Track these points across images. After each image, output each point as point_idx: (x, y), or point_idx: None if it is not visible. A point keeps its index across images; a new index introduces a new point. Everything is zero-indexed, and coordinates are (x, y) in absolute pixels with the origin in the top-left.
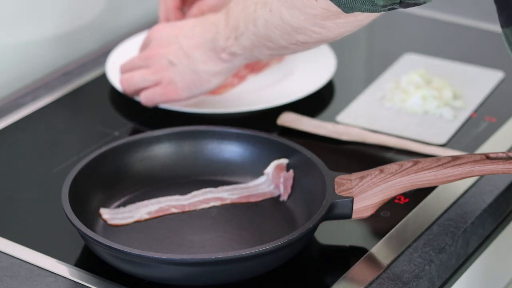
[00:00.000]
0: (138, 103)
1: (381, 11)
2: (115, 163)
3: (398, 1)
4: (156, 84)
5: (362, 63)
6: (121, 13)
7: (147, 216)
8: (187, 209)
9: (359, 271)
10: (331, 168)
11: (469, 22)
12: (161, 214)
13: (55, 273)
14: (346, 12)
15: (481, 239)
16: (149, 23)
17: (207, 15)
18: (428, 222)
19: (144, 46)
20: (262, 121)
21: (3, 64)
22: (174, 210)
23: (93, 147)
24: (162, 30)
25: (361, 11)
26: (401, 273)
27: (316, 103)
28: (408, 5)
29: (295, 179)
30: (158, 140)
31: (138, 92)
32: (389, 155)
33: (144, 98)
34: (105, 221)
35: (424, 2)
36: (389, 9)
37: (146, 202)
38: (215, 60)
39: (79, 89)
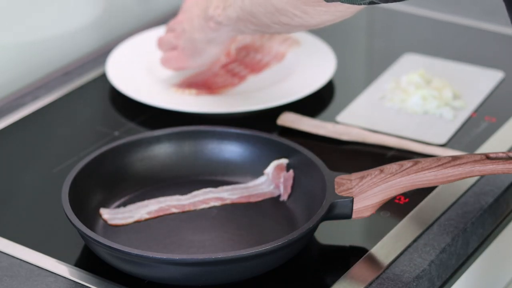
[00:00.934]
0: (138, 103)
1: (360, 4)
2: (115, 163)
3: None
4: (174, 48)
5: (362, 63)
6: (121, 13)
7: (147, 216)
8: (187, 209)
9: (359, 271)
10: (331, 168)
11: (469, 22)
12: (161, 214)
13: (55, 273)
14: (327, 1)
15: (481, 239)
16: (149, 23)
17: None
18: (428, 222)
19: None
20: (262, 121)
21: (3, 64)
22: (174, 210)
23: (93, 147)
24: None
25: (341, 2)
26: (401, 273)
27: (316, 103)
28: (387, 0)
29: (295, 179)
30: (158, 140)
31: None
32: (389, 155)
33: (163, 60)
34: (105, 221)
35: None
36: (370, 3)
37: (146, 202)
38: (205, 28)
39: (79, 89)
